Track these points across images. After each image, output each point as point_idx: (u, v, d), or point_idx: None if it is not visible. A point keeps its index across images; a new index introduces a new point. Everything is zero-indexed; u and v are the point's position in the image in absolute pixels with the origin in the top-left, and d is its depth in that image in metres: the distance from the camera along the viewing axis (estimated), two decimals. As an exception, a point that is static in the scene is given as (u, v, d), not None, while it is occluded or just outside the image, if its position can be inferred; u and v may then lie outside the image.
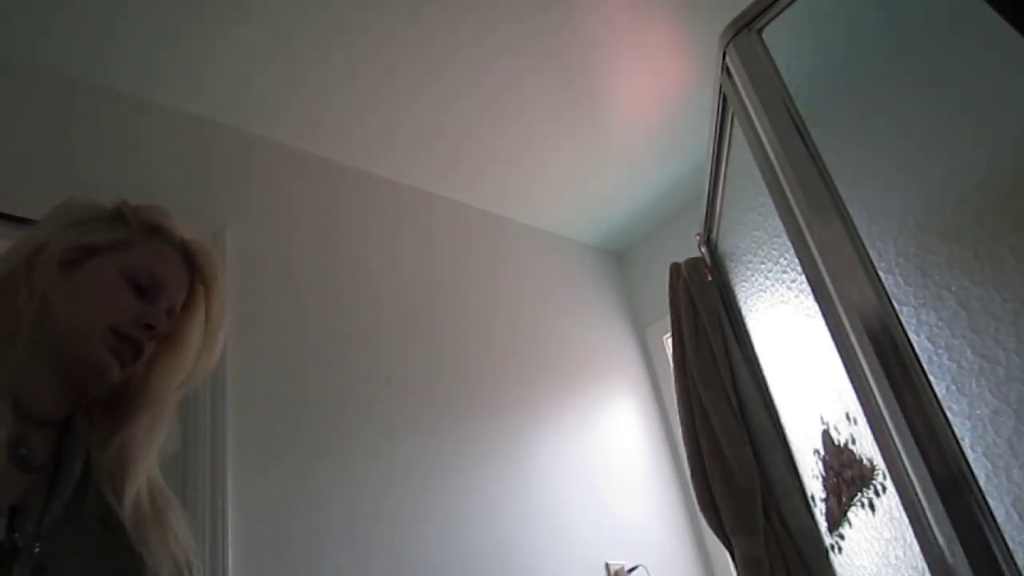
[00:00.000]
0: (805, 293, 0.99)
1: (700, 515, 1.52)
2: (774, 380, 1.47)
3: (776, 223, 1.06)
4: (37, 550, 0.63)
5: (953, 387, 0.78)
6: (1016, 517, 0.71)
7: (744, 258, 1.44)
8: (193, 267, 0.84)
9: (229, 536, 1.40)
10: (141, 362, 0.78)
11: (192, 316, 0.84)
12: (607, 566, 2.13)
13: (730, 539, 1.43)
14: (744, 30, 1.08)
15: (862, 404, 0.87)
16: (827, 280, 0.90)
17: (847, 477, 1.08)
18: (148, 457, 0.77)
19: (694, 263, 1.69)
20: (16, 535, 0.62)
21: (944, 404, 0.77)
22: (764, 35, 1.07)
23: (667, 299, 1.70)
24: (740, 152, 1.21)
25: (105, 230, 0.78)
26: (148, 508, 0.76)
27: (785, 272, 1.17)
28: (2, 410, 0.64)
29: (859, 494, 1.03)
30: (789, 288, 1.16)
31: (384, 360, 1.92)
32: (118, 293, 0.75)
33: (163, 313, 0.78)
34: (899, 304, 0.83)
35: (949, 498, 0.73)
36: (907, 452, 0.77)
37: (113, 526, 0.71)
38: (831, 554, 1.28)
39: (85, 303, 0.73)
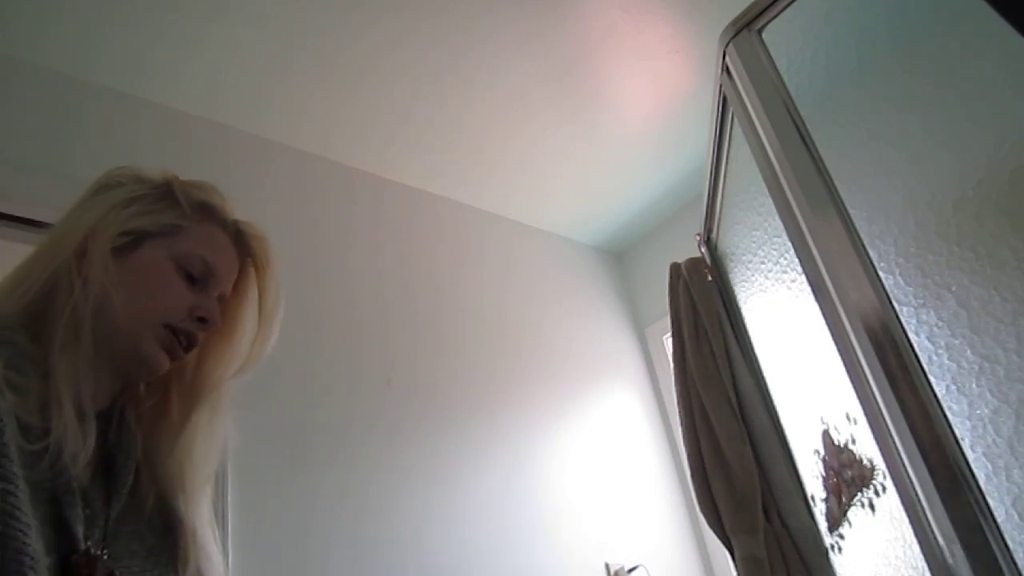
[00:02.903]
0: (805, 293, 0.99)
1: (700, 515, 1.52)
2: (774, 380, 1.47)
3: (776, 223, 1.06)
4: (106, 556, 0.62)
5: (953, 387, 0.78)
6: (1016, 517, 0.71)
7: (744, 258, 1.44)
8: (245, 250, 0.81)
9: (229, 536, 1.40)
10: (193, 353, 0.75)
11: (244, 300, 0.81)
12: (607, 566, 2.13)
13: (730, 539, 1.43)
14: (744, 30, 1.08)
15: (862, 404, 0.87)
16: (827, 280, 0.90)
17: (847, 477, 1.08)
18: (213, 453, 0.76)
19: (694, 263, 1.69)
20: (90, 542, 0.61)
21: (944, 404, 0.77)
22: (764, 35, 1.07)
23: (667, 299, 1.70)
24: (740, 152, 1.21)
25: (157, 213, 0.74)
26: (208, 512, 0.75)
27: (785, 272, 1.17)
28: (68, 416, 0.60)
29: (859, 494, 1.03)
30: (789, 288, 1.16)
31: (384, 361, 1.92)
32: (170, 284, 0.72)
33: (215, 302, 0.75)
34: (899, 304, 0.83)
35: (949, 498, 0.73)
36: (907, 452, 0.77)
37: (156, 550, 0.69)
38: (831, 554, 1.28)
39: (137, 295, 0.69)
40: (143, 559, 0.68)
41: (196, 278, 0.74)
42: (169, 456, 0.73)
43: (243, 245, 0.81)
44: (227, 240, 0.79)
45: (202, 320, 0.73)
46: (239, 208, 1.83)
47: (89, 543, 0.60)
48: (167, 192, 0.77)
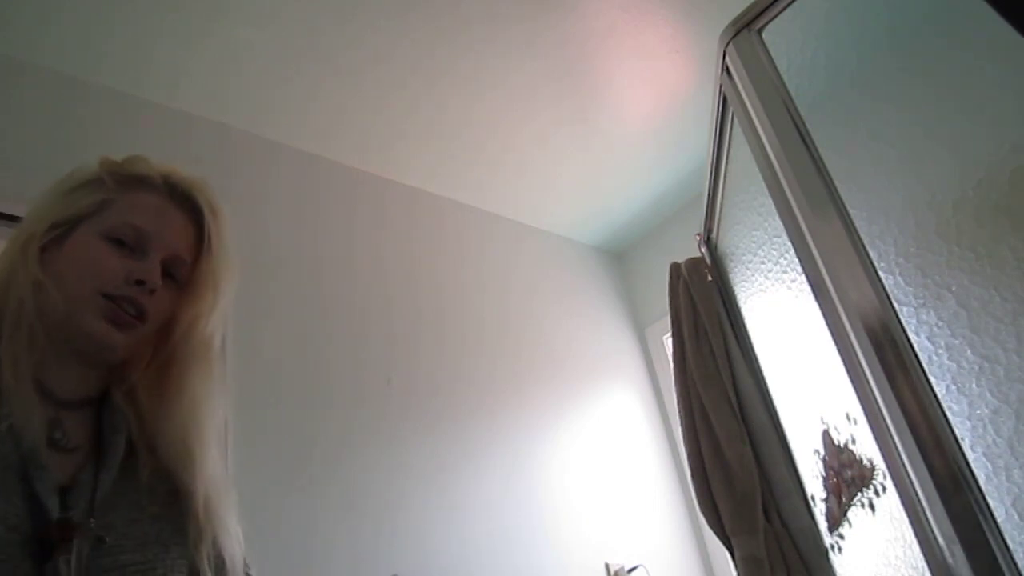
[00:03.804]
0: (805, 293, 0.99)
1: (700, 515, 1.52)
2: (774, 380, 1.47)
3: (776, 223, 1.06)
4: (93, 524, 0.63)
5: (953, 387, 0.78)
6: (1016, 517, 0.71)
7: (744, 258, 1.44)
8: (189, 205, 0.79)
9: (229, 536, 1.40)
10: (153, 321, 0.74)
11: (207, 254, 0.79)
12: (607, 566, 2.13)
13: (730, 539, 1.43)
14: (744, 30, 1.08)
15: (862, 404, 0.87)
16: (827, 280, 0.90)
17: (847, 477, 1.08)
18: (214, 415, 0.76)
19: (694, 263, 1.69)
20: (71, 512, 0.62)
21: (944, 404, 0.77)
22: (764, 35, 1.07)
23: (667, 299, 1.70)
24: (740, 152, 1.21)
25: (84, 197, 0.75)
26: (220, 477, 0.75)
27: (785, 272, 1.17)
28: (27, 396, 0.63)
29: (859, 494, 1.03)
30: (789, 288, 1.16)
31: (384, 360, 1.92)
32: (101, 256, 0.72)
33: (156, 265, 0.74)
34: (899, 304, 0.83)
35: (949, 498, 0.73)
36: (907, 452, 0.77)
37: (159, 518, 0.70)
38: (831, 554, 1.28)
39: (71, 277, 0.70)
40: (146, 525, 0.69)
41: (129, 245, 0.73)
42: (170, 425, 0.73)
43: (183, 201, 0.79)
44: (162, 201, 0.77)
45: (140, 283, 0.71)
46: (240, 208, 1.83)
47: (71, 513, 0.62)
48: (95, 176, 0.77)
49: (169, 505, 0.72)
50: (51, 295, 0.68)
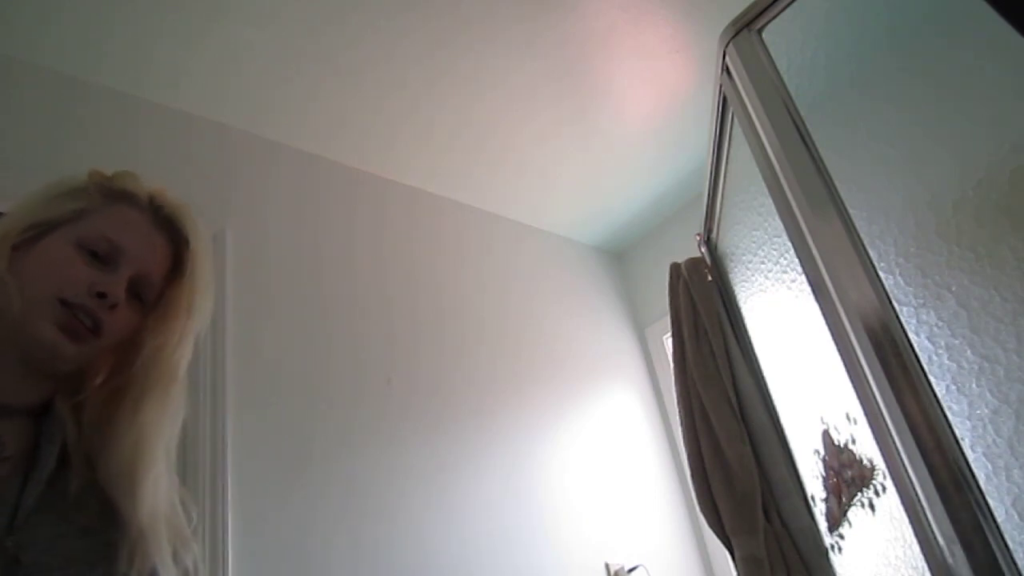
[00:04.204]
0: (805, 293, 0.99)
1: (700, 515, 1.52)
2: (774, 380, 1.47)
3: (776, 223, 1.06)
4: (10, 543, 0.60)
5: (953, 387, 0.78)
6: (1016, 517, 0.71)
7: (744, 258, 1.44)
8: (170, 229, 0.78)
9: (229, 535, 1.40)
10: (109, 337, 0.72)
11: (180, 280, 0.78)
12: (607, 566, 2.13)
13: (730, 539, 1.43)
14: (744, 30, 1.08)
15: (862, 404, 0.87)
16: (827, 280, 0.90)
17: (847, 477, 1.08)
18: (168, 443, 0.73)
19: (694, 263, 1.69)
20: None
21: (944, 404, 0.77)
22: (764, 35, 1.07)
23: (667, 299, 1.70)
24: (740, 152, 1.21)
25: (64, 204, 0.74)
26: (164, 505, 0.71)
27: (785, 272, 1.17)
28: None
29: (859, 494, 1.03)
30: (789, 288, 1.16)
31: (384, 361, 1.92)
32: (67, 263, 0.70)
33: (123, 281, 0.72)
34: (899, 304, 0.83)
35: (949, 498, 0.73)
36: (907, 452, 0.77)
37: (89, 531, 0.67)
38: (831, 554, 1.28)
39: (33, 280, 0.68)
40: (73, 540, 0.66)
41: (101, 257, 0.72)
42: (117, 449, 0.70)
43: (166, 224, 0.78)
44: (143, 220, 0.77)
45: (101, 296, 0.69)
46: (240, 208, 1.82)
47: None
48: (82, 185, 0.77)
49: (103, 517, 0.68)
50: (10, 293, 0.66)
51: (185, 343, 0.76)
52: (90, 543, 0.67)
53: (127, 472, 0.69)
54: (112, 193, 0.77)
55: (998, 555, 0.69)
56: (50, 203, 0.74)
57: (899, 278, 0.86)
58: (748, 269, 1.42)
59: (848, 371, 0.89)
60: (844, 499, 1.11)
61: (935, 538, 0.75)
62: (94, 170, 0.79)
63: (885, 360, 0.80)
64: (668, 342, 2.75)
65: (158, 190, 0.80)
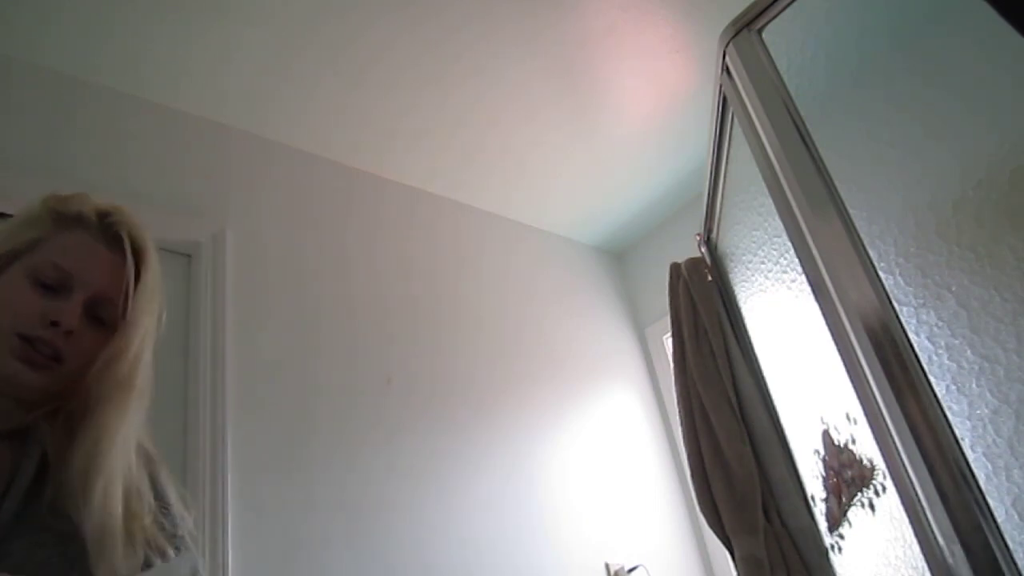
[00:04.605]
0: (805, 293, 0.99)
1: (700, 515, 1.52)
2: (774, 380, 1.47)
3: (776, 223, 1.06)
4: None
5: (953, 387, 0.78)
6: (1016, 517, 0.71)
7: (744, 258, 1.44)
8: (119, 244, 0.79)
9: (229, 535, 1.40)
10: (73, 362, 0.73)
11: (133, 295, 0.78)
12: (607, 566, 2.13)
13: (730, 539, 1.43)
14: (744, 30, 1.08)
15: (862, 404, 0.87)
16: (827, 280, 0.90)
17: (847, 477, 1.08)
18: (115, 451, 0.72)
19: (694, 263, 1.69)
20: None
21: (944, 404, 0.77)
22: (764, 35, 1.07)
23: (667, 299, 1.70)
24: (740, 152, 1.21)
25: (22, 234, 0.76)
26: (121, 513, 0.71)
27: (785, 272, 1.17)
28: None
29: (859, 494, 1.03)
30: (789, 288, 1.16)
31: (384, 360, 1.92)
32: (20, 296, 0.72)
33: (76, 307, 0.74)
34: (899, 304, 0.83)
35: (949, 498, 0.73)
36: (907, 452, 0.77)
37: (67, 537, 0.67)
38: (831, 554, 1.28)
39: None
40: (51, 548, 0.67)
41: (53, 286, 0.74)
42: (72, 461, 0.70)
43: (115, 240, 0.79)
44: (91, 240, 0.78)
45: (55, 324, 0.71)
46: (239, 208, 1.82)
47: None
48: (37, 214, 0.78)
49: (65, 537, 0.69)
50: None
51: (131, 354, 0.76)
52: (67, 549, 0.67)
53: (79, 484, 0.69)
54: (62, 218, 0.78)
55: (998, 555, 0.69)
56: (11, 234, 0.76)
57: (899, 278, 0.86)
58: (748, 269, 1.42)
59: (848, 371, 0.89)
60: (844, 499, 1.11)
61: (935, 538, 0.75)
62: (48, 195, 0.80)
63: (885, 360, 0.80)
64: (668, 342, 2.75)
65: (107, 207, 0.81)
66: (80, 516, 0.68)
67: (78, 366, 0.74)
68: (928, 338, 0.81)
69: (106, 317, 0.77)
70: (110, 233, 0.79)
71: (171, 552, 0.74)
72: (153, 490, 0.77)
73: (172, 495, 0.80)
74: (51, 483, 0.70)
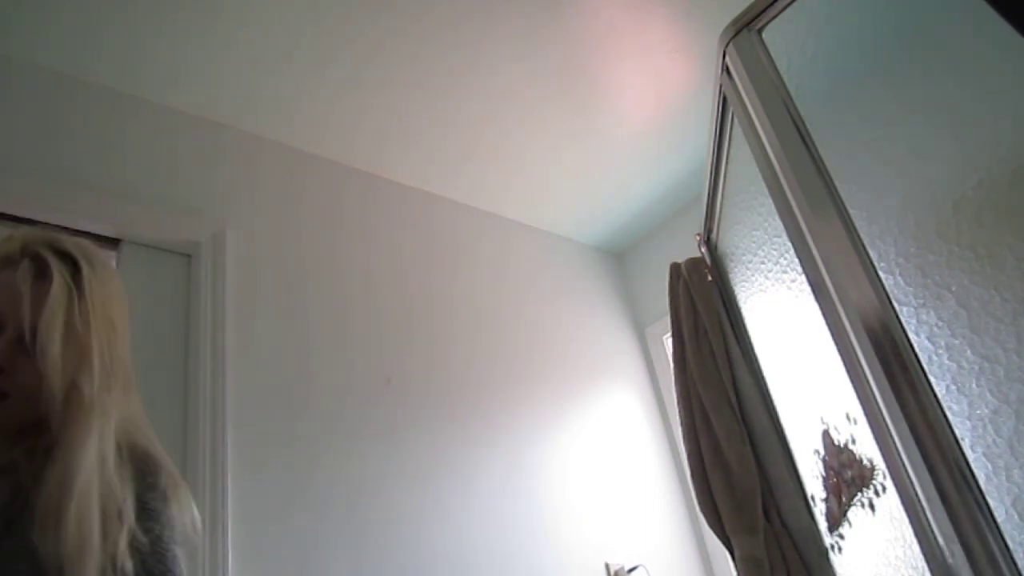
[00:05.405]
0: (805, 293, 0.99)
1: (700, 515, 1.52)
2: (774, 380, 1.47)
3: (776, 223, 1.06)
4: None
5: (953, 387, 0.78)
6: (1016, 517, 0.71)
7: (744, 258, 1.44)
8: (48, 274, 0.80)
9: (229, 535, 1.40)
10: (19, 396, 0.76)
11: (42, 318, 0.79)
12: (607, 566, 2.13)
13: (730, 539, 1.43)
14: (744, 30, 1.08)
15: (862, 404, 0.87)
16: (827, 280, 0.90)
17: (847, 477, 1.08)
18: (81, 476, 0.72)
19: (694, 263, 1.69)
20: None
21: (944, 404, 0.77)
22: (764, 35, 1.07)
23: (667, 299, 1.70)
24: (740, 152, 1.21)
25: None
26: (97, 537, 0.70)
27: (785, 272, 1.17)
28: None
29: (859, 494, 1.03)
30: (789, 288, 1.16)
31: (384, 360, 1.92)
32: None
33: (6, 344, 0.76)
34: (899, 304, 0.83)
35: (949, 498, 0.73)
36: (907, 452, 0.77)
37: (40, 566, 0.67)
38: (831, 554, 1.28)
39: None
40: (26, 560, 0.67)
41: None
42: (45, 490, 0.71)
43: (44, 266, 0.80)
44: (16, 275, 0.79)
45: None
46: (237, 208, 1.82)
47: None
48: None
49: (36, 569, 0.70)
50: None
51: (73, 372, 0.77)
52: (37, 562, 0.68)
53: (52, 511, 0.70)
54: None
55: (998, 555, 0.69)
56: None
57: (899, 278, 0.86)
58: (748, 269, 1.42)
59: (848, 371, 0.89)
60: (844, 499, 1.11)
61: (935, 538, 0.75)
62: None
63: (885, 360, 0.80)
64: (668, 342, 2.75)
65: (30, 236, 0.83)
66: (55, 544, 0.68)
67: (27, 397, 0.76)
68: (928, 338, 0.81)
69: (30, 349, 0.78)
70: (39, 261, 0.80)
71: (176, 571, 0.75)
72: (138, 508, 0.76)
73: (162, 507, 0.79)
74: (27, 514, 0.70)
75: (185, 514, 0.81)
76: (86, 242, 0.86)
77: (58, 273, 0.80)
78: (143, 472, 0.79)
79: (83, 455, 0.73)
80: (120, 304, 0.86)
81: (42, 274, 0.80)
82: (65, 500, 0.70)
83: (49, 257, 0.81)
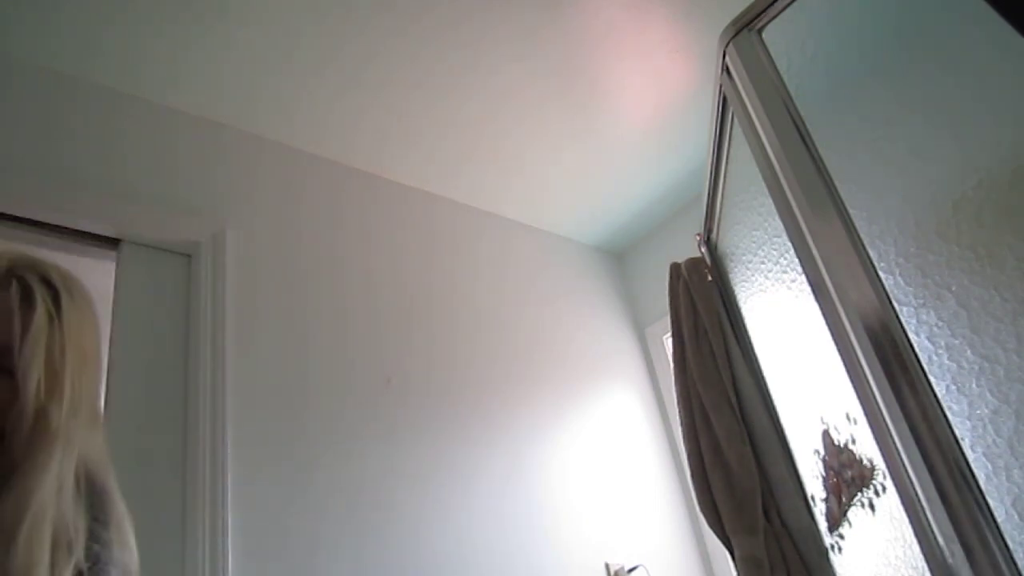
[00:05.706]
0: (805, 293, 0.99)
1: (700, 515, 1.52)
2: (774, 380, 1.47)
3: (776, 223, 1.06)
4: None
5: (953, 387, 0.78)
6: (1016, 517, 0.71)
7: (744, 258, 1.44)
8: (24, 294, 0.79)
9: (229, 536, 1.40)
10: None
11: (25, 339, 0.79)
12: (607, 566, 2.13)
13: (730, 539, 1.43)
14: (744, 30, 1.08)
15: (862, 404, 0.87)
16: (827, 280, 0.90)
17: (847, 477, 1.08)
18: (35, 501, 0.71)
19: (694, 263, 1.69)
20: None
21: (944, 404, 0.77)
22: (764, 35, 1.07)
23: (667, 299, 1.70)
24: (740, 152, 1.21)
25: None
26: (46, 567, 0.70)
27: (785, 272, 1.17)
28: None
29: (859, 494, 1.03)
30: (789, 288, 1.16)
31: (384, 360, 1.92)
32: None
33: None
34: (899, 304, 0.83)
35: (949, 498, 0.73)
36: (907, 452, 0.77)
37: None
38: (831, 554, 1.28)
39: None
40: None
41: None
42: (4, 504, 0.71)
43: (27, 287, 0.80)
44: None
45: None
46: (235, 208, 1.81)
47: None
48: None
49: None
50: None
51: (58, 397, 0.77)
52: None
53: (4, 535, 0.69)
54: None
55: (998, 555, 0.69)
56: None
57: (899, 278, 0.86)
58: (748, 269, 1.42)
59: (848, 371, 0.89)
60: (844, 499, 1.11)
61: (935, 538, 0.75)
62: None
63: (885, 360, 0.80)
64: (668, 342, 2.75)
65: (17, 260, 0.82)
66: (2, 564, 0.68)
67: None
68: (928, 338, 0.81)
69: (8, 367, 0.77)
70: (23, 282, 0.80)
71: None
72: (87, 543, 0.75)
73: (109, 546, 0.79)
74: None
75: (127, 553, 0.81)
76: (65, 270, 0.87)
77: (42, 300, 0.80)
78: (96, 507, 0.79)
79: (43, 481, 0.73)
80: (93, 335, 0.86)
81: (28, 300, 0.80)
82: (19, 522, 0.69)
83: (34, 284, 0.81)
